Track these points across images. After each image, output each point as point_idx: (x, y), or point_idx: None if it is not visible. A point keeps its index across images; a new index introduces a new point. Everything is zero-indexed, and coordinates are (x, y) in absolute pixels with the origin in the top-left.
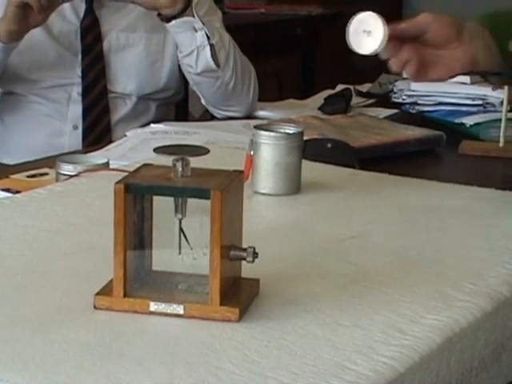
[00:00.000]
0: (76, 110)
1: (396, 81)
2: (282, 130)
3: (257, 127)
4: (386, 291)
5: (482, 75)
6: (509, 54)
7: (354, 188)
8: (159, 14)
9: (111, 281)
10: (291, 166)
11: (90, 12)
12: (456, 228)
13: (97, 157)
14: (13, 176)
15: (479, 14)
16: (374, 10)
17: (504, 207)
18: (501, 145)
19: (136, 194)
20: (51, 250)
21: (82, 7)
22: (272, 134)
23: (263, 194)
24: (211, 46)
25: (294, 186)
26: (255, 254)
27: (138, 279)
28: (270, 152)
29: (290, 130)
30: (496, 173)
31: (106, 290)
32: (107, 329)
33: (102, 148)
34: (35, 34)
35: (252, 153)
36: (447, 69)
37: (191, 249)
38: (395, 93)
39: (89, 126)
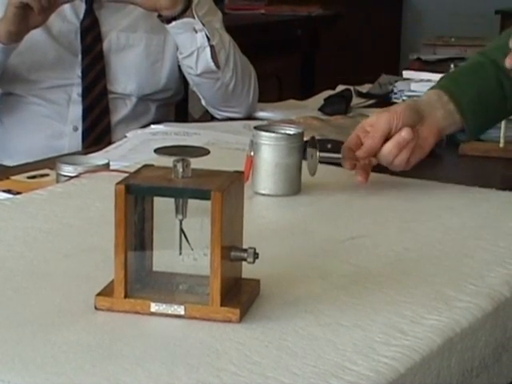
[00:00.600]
0: (76, 111)
1: (396, 81)
2: (282, 131)
3: (257, 128)
4: (387, 292)
5: (451, 137)
6: (467, 111)
7: (355, 189)
8: (159, 15)
9: (112, 282)
10: (291, 167)
11: (90, 12)
12: (456, 228)
13: (97, 158)
14: (13, 177)
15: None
16: (374, 10)
17: (504, 207)
18: (501, 145)
19: (137, 195)
20: (51, 251)
21: (82, 7)
22: (272, 134)
23: (263, 194)
24: (211, 47)
25: (295, 186)
26: (256, 255)
27: (138, 280)
28: (270, 153)
29: (290, 130)
30: (496, 173)
31: (106, 291)
32: (108, 330)
33: (102, 149)
34: (35, 35)
35: (252, 153)
36: (421, 150)
37: (192, 249)
38: (395, 93)
39: (89, 127)
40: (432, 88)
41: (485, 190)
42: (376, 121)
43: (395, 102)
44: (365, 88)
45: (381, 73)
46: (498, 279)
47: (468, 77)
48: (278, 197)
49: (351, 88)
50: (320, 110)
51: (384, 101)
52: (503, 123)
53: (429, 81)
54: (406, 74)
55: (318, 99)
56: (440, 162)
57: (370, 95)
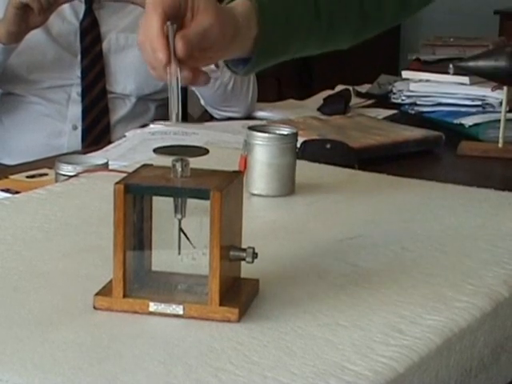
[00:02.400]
0: (75, 110)
1: (395, 81)
2: (276, 131)
3: (250, 128)
4: (385, 292)
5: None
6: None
7: (353, 188)
8: None
9: (111, 281)
10: (284, 167)
11: (90, 13)
12: (455, 228)
13: (96, 157)
14: (12, 176)
15: None
16: None
17: (503, 208)
18: (500, 145)
19: (136, 195)
20: (50, 251)
21: (82, 8)
22: (265, 135)
23: (256, 194)
24: None
25: (288, 187)
26: (255, 255)
27: (137, 280)
28: (262, 153)
29: (284, 131)
30: (495, 173)
31: (105, 291)
32: (106, 329)
33: (101, 148)
34: (35, 35)
35: (246, 153)
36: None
37: (194, 247)
38: (394, 93)
39: (88, 126)
40: None
41: (483, 190)
42: None
43: (394, 102)
44: (364, 88)
45: (380, 73)
46: (496, 279)
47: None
48: (270, 197)
49: (350, 88)
50: (319, 109)
51: (383, 101)
52: (502, 124)
53: (428, 81)
54: (405, 74)
55: (317, 99)
56: (438, 162)
57: (369, 95)
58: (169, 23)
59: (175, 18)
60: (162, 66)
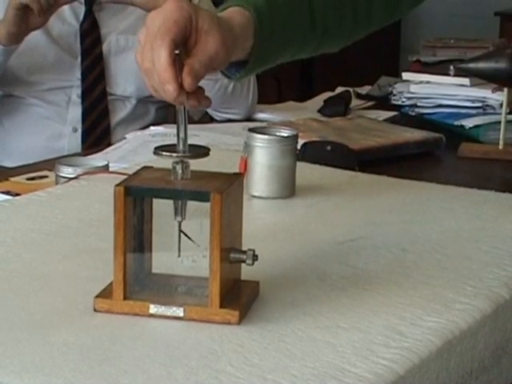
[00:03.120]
0: (75, 112)
1: (395, 83)
2: (276, 133)
3: (251, 130)
4: (386, 294)
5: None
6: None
7: (354, 190)
8: None
9: (111, 283)
10: (285, 169)
11: (90, 14)
12: (455, 230)
13: (96, 159)
14: (12, 179)
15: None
16: None
17: (503, 209)
18: (500, 147)
19: (136, 197)
20: (50, 253)
21: (82, 9)
22: (265, 136)
23: (256, 196)
24: None
25: (288, 189)
26: (255, 257)
27: (137, 282)
28: (263, 155)
29: (284, 132)
30: (495, 175)
31: (105, 293)
32: (106, 332)
33: (101, 150)
34: (35, 36)
35: (246, 155)
36: None
37: (198, 245)
38: (394, 95)
39: (88, 128)
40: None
41: (484, 192)
42: None
43: (394, 104)
44: (364, 90)
45: (380, 74)
46: (497, 281)
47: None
48: (270, 199)
49: (350, 90)
50: (319, 111)
51: (383, 102)
52: (503, 125)
53: (428, 82)
54: (405, 75)
55: (318, 101)
56: (439, 164)
57: (369, 97)
58: (177, 52)
59: (182, 44)
60: (171, 98)
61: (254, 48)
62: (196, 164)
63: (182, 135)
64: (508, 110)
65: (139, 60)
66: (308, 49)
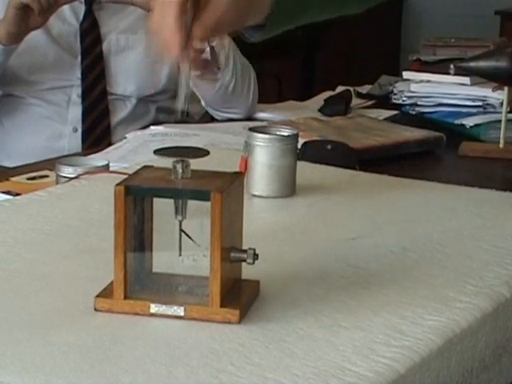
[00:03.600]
0: (76, 112)
1: (396, 82)
2: (276, 132)
3: (251, 129)
4: (386, 293)
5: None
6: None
7: (354, 190)
8: None
9: (111, 283)
10: (285, 169)
11: (90, 14)
12: (456, 229)
13: (97, 159)
14: (13, 178)
15: None
16: (374, 11)
17: (504, 208)
18: (501, 146)
19: (136, 196)
20: (51, 253)
21: (82, 9)
22: (266, 136)
23: (256, 196)
24: (211, 47)
25: (289, 188)
26: (255, 256)
27: (138, 281)
28: (263, 154)
29: (284, 132)
30: (496, 174)
31: (106, 292)
32: (107, 331)
33: (101, 150)
34: (35, 36)
35: (246, 155)
36: None
37: (199, 245)
38: (395, 94)
39: (88, 128)
40: None
41: (485, 191)
42: None
43: (395, 103)
44: (365, 89)
45: (381, 73)
46: (497, 280)
47: None
48: (271, 198)
49: (351, 89)
50: (320, 110)
51: (384, 101)
52: (503, 124)
53: (429, 81)
54: (405, 74)
55: (318, 100)
56: (440, 163)
57: (369, 96)
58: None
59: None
60: (175, 49)
61: (273, 6)
62: (196, 163)
63: (182, 106)
64: (508, 109)
65: (152, 24)
66: (330, 8)
